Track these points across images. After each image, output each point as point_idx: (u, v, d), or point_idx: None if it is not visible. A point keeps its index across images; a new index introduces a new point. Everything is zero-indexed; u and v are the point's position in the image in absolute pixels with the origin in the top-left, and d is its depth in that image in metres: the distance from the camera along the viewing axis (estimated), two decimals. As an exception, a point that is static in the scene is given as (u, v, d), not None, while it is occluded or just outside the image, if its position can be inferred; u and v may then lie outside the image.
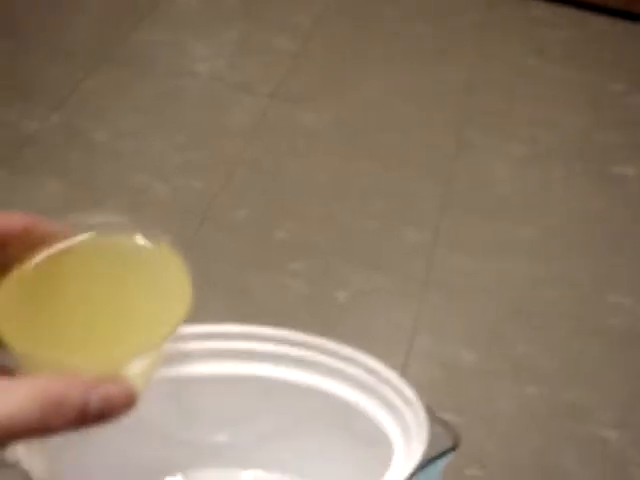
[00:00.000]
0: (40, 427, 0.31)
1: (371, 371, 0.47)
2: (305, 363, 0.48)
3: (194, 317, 0.36)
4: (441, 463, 0.44)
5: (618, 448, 0.87)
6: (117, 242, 0.38)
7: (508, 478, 0.81)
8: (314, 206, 1.12)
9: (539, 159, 1.26)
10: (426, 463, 0.43)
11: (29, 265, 0.36)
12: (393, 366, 0.46)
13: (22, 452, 0.42)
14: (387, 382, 0.46)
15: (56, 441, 0.33)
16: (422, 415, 0.44)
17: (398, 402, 0.45)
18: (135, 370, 0.34)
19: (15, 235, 0.35)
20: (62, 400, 0.31)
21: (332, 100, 1.30)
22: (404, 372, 0.82)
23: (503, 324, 0.98)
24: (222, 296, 0.92)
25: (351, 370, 0.47)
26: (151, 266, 0.38)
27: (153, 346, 0.34)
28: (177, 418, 0.52)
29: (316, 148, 1.21)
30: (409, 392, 0.45)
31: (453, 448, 0.44)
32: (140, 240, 0.38)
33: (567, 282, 1.05)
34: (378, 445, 0.45)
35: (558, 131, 1.31)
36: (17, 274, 0.36)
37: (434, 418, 0.45)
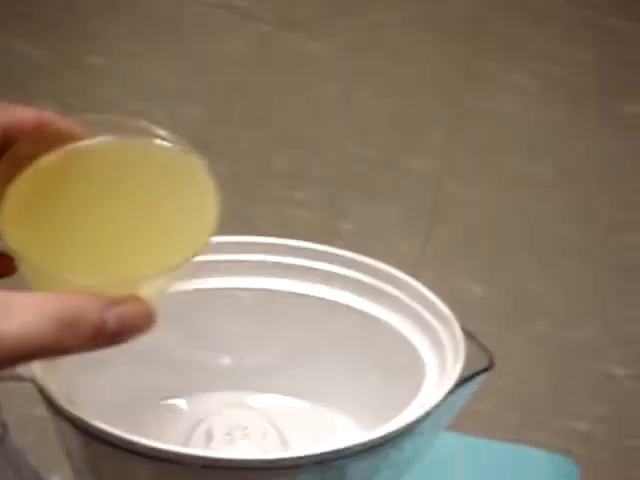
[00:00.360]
0: (55, 346, 0.29)
1: (402, 287, 0.44)
2: (329, 277, 0.46)
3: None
4: (475, 383, 0.42)
5: (627, 385, 0.85)
6: (140, 145, 0.34)
7: (518, 412, 0.80)
8: (319, 136, 1.09)
9: (550, 94, 1.22)
10: (461, 382, 0.41)
11: (42, 165, 0.33)
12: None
13: (37, 368, 0.39)
14: (420, 299, 0.44)
15: (70, 359, 0.31)
16: (458, 333, 0.41)
17: (432, 320, 0.43)
18: (153, 289, 0.31)
19: (27, 130, 0.32)
20: (79, 319, 0.29)
21: (339, 27, 1.26)
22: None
23: (513, 259, 0.96)
24: (224, 226, 0.90)
25: (381, 285, 0.45)
26: (177, 173, 0.34)
27: (176, 267, 0.31)
28: (183, 339, 0.50)
29: (321, 76, 1.18)
30: (444, 309, 0.42)
31: (488, 368, 0.42)
32: (165, 144, 0.34)
33: (579, 218, 1.03)
34: (410, 365, 0.43)
35: (570, 67, 1.28)
36: (29, 174, 0.32)
37: (468, 337, 0.43)
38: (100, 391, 0.45)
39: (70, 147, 0.33)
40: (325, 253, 0.46)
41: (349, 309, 0.45)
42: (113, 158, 0.34)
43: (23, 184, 0.32)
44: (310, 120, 1.11)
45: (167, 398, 0.51)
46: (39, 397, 0.74)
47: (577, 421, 0.81)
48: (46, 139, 0.33)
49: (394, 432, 0.37)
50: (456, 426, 0.76)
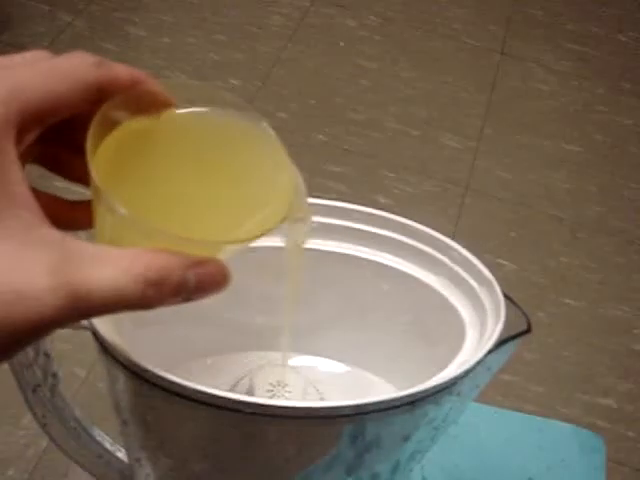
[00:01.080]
0: (138, 302, 0.30)
1: (444, 250, 0.45)
2: (371, 238, 0.47)
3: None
4: (514, 345, 0.43)
5: (655, 364, 0.86)
6: (228, 119, 0.35)
7: (543, 385, 0.81)
8: (354, 111, 1.09)
9: (585, 75, 1.22)
10: (500, 344, 0.42)
11: (133, 126, 0.34)
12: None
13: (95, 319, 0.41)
14: (461, 261, 0.45)
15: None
16: (499, 295, 0.42)
17: (473, 282, 0.44)
18: (228, 253, 0.33)
19: (122, 87, 0.33)
20: (164, 278, 0.30)
21: (376, 3, 1.26)
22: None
23: (545, 236, 0.96)
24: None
25: (422, 247, 0.46)
26: (260, 150, 0.36)
27: (254, 238, 0.32)
28: (229, 300, 0.51)
29: (358, 52, 1.18)
30: (485, 272, 0.43)
31: (527, 331, 0.43)
32: (252, 123, 0.36)
33: (611, 198, 1.03)
34: (451, 326, 0.44)
35: (604, 48, 1.28)
36: (119, 134, 0.33)
37: (507, 300, 0.44)
38: (151, 345, 0.47)
39: (162, 113, 0.34)
40: (367, 214, 0.46)
41: (391, 270, 0.46)
42: (201, 128, 0.35)
43: (113, 143, 0.33)
44: (348, 95, 1.11)
45: (211, 355, 0.53)
46: (79, 358, 0.76)
47: (603, 397, 0.82)
48: (137, 99, 0.33)
49: (435, 387, 0.39)
50: (486, 398, 0.78)
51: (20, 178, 0.29)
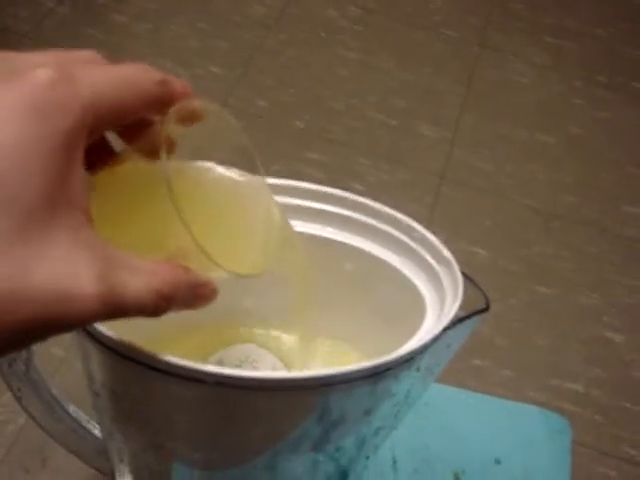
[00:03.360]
0: (150, 312, 0.32)
1: (406, 230, 0.47)
2: (338, 219, 0.48)
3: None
4: (472, 323, 0.45)
5: (623, 351, 0.88)
6: (227, 175, 0.38)
7: (513, 370, 0.83)
8: (334, 100, 1.11)
9: (562, 68, 1.24)
10: (459, 320, 0.44)
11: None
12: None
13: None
14: (423, 242, 0.46)
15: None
16: (457, 274, 0.44)
17: (433, 262, 0.46)
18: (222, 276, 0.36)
19: (175, 101, 0.34)
20: (173, 294, 0.33)
21: (358, -6, 1.28)
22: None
23: (519, 225, 0.98)
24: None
25: (385, 228, 0.47)
26: (253, 204, 0.40)
27: (245, 276, 0.37)
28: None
29: (338, 42, 1.20)
30: (445, 251, 0.45)
31: (485, 309, 0.45)
32: (244, 179, 0.39)
33: (585, 189, 1.05)
34: (412, 304, 0.45)
35: (583, 43, 1.30)
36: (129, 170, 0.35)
37: (466, 281, 0.46)
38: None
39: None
40: (331, 195, 0.48)
41: (354, 250, 0.48)
42: (206, 182, 0.38)
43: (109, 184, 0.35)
44: (327, 84, 1.13)
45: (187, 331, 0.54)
46: (57, 338, 0.77)
47: (572, 382, 0.84)
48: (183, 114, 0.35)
49: (394, 361, 0.40)
50: (457, 382, 0.80)
51: (81, 178, 0.30)
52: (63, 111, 0.29)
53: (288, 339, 0.53)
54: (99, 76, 0.31)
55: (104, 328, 0.40)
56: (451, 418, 0.77)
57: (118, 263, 0.30)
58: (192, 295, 0.34)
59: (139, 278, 0.31)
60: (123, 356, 0.40)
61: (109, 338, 0.40)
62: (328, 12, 1.24)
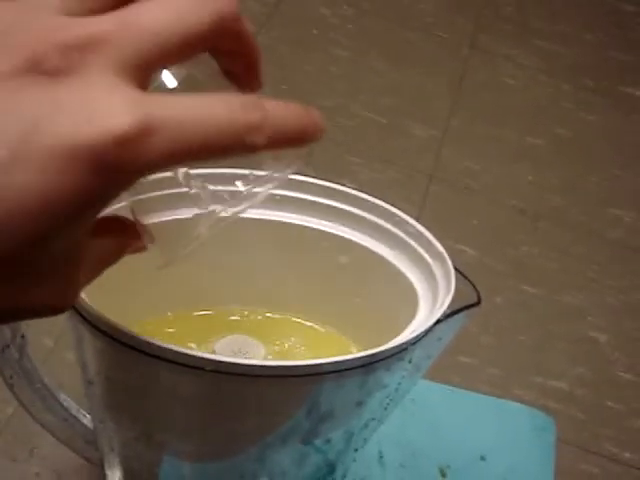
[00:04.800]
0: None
1: (400, 225, 0.47)
2: (333, 212, 0.49)
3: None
4: (463, 317, 0.46)
5: (607, 351, 0.89)
6: None
7: (498, 367, 0.84)
8: (324, 98, 1.11)
9: (551, 71, 1.25)
10: (451, 313, 0.44)
11: None
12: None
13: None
14: (416, 236, 0.47)
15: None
16: (449, 268, 0.45)
17: (426, 256, 0.46)
18: None
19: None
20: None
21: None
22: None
23: (506, 225, 0.99)
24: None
25: (380, 222, 0.48)
26: None
27: None
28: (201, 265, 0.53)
29: (330, 41, 1.20)
30: (438, 245, 0.46)
31: (476, 303, 0.45)
32: None
33: (572, 191, 1.06)
34: (405, 297, 0.46)
35: (572, 47, 1.31)
36: None
37: (458, 276, 0.46)
38: (118, 304, 0.48)
39: None
40: (327, 188, 0.48)
41: (349, 243, 0.49)
42: None
43: None
44: (318, 81, 1.13)
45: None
46: (47, 328, 0.77)
47: (556, 380, 0.84)
48: None
49: (386, 351, 0.41)
50: (444, 379, 0.81)
51: None
52: (111, 177, 0.25)
53: (283, 329, 0.54)
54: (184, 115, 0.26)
55: (96, 312, 0.40)
56: (437, 414, 0.78)
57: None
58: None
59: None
60: (118, 341, 0.40)
61: (104, 322, 0.40)
62: (321, 10, 1.25)
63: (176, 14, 0.27)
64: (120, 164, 0.24)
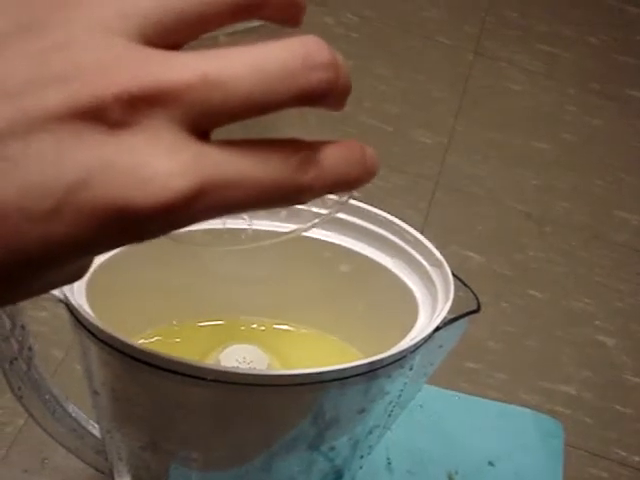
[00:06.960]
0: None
1: (399, 233, 0.48)
2: (332, 221, 0.49)
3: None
4: (463, 324, 0.46)
5: (614, 354, 0.89)
6: None
7: (506, 373, 0.84)
8: (330, 106, 1.12)
9: (556, 76, 1.25)
10: (450, 321, 0.45)
11: None
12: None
13: (67, 291, 0.43)
14: (415, 244, 0.47)
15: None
16: (448, 275, 0.45)
17: (425, 263, 0.47)
18: None
19: None
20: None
21: (354, 2, 1.29)
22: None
23: (512, 230, 0.99)
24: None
25: (378, 230, 0.48)
26: None
27: None
28: (202, 275, 0.53)
29: (335, 49, 1.21)
30: (437, 253, 0.46)
31: (476, 310, 0.46)
32: None
33: (578, 195, 1.06)
34: (405, 305, 0.46)
35: (576, 51, 1.31)
36: None
37: (457, 282, 0.47)
38: (122, 315, 0.49)
39: None
40: (330, 200, 0.49)
41: (349, 252, 0.49)
42: None
43: None
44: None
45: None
46: (56, 339, 0.78)
47: (564, 385, 0.85)
48: None
49: (387, 359, 0.41)
50: (451, 384, 0.81)
51: None
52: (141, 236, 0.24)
53: (286, 337, 0.54)
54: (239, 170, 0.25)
55: (102, 324, 0.41)
56: (445, 420, 0.78)
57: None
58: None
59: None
60: (123, 353, 0.41)
61: (105, 333, 0.41)
62: (325, 19, 1.26)
63: (261, 78, 0.25)
64: (156, 229, 0.24)
